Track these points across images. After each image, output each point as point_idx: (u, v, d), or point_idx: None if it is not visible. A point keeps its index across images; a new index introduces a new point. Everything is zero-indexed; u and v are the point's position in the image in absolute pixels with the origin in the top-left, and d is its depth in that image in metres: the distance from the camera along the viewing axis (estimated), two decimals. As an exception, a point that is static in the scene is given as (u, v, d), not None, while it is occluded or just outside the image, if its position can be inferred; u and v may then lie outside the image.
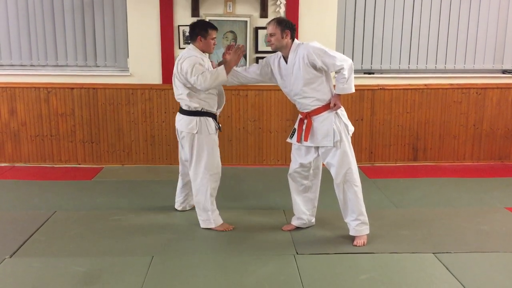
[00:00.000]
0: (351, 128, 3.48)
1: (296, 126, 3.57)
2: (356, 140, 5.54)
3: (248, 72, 3.65)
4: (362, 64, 5.56)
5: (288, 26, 3.40)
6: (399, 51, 5.56)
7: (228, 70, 3.52)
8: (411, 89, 5.52)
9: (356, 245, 3.41)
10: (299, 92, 3.41)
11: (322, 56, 3.29)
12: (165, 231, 3.69)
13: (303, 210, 3.68)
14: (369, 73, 5.56)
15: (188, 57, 3.54)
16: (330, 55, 3.29)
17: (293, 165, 3.61)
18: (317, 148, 3.49)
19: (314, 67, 3.32)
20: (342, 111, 3.45)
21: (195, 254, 3.32)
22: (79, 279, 2.95)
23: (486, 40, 5.57)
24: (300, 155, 3.56)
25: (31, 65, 5.42)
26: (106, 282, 2.92)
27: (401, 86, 5.52)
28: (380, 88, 5.51)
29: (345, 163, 3.39)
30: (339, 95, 3.38)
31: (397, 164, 5.67)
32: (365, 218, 3.46)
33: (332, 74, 3.42)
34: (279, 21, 3.41)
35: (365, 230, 3.47)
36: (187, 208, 4.09)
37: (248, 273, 3.03)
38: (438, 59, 5.60)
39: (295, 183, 3.66)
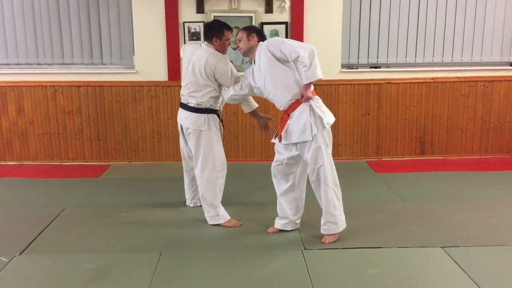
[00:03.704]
0: (328, 120, 3.31)
1: (279, 126, 3.48)
2: (363, 135, 5.53)
3: (242, 89, 3.60)
4: (368, 58, 5.52)
5: (254, 30, 3.54)
6: (405, 44, 5.52)
7: None
8: (418, 82, 5.49)
9: (323, 242, 3.34)
10: (271, 90, 3.36)
11: (280, 46, 3.25)
12: (173, 228, 3.70)
13: (286, 209, 3.57)
14: (375, 67, 5.53)
15: (221, 58, 3.59)
16: (288, 44, 3.24)
17: (278, 159, 3.50)
18: (297, 145, 3.37)
19: (277, 58, 3.28)
20: (316, 103, 3.32)
21: (204, 250, 3.33)
22: (88, 275, 2.97)
23: (493, 32, 5.52)
24: (282, 154, 3.46)
25: (37, 64, 5.43)
26: (115, 278, 2.94)
27: (407, 79, 5.48)
28: (387, 82, 5.48)
29: (319, 159, 3.27)
30: (307, 85, 3.25)
31: (404, 158, 5.64)
32: (334, 218, 3.34)
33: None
34: (245, 28, 3.56)
35: (333, 229, 3.36)
36: (199, 204, 4.02)
37: (256, 268, 3.04)
38: (445, 52, 5.55)
39: (279, 181, 3.55)
